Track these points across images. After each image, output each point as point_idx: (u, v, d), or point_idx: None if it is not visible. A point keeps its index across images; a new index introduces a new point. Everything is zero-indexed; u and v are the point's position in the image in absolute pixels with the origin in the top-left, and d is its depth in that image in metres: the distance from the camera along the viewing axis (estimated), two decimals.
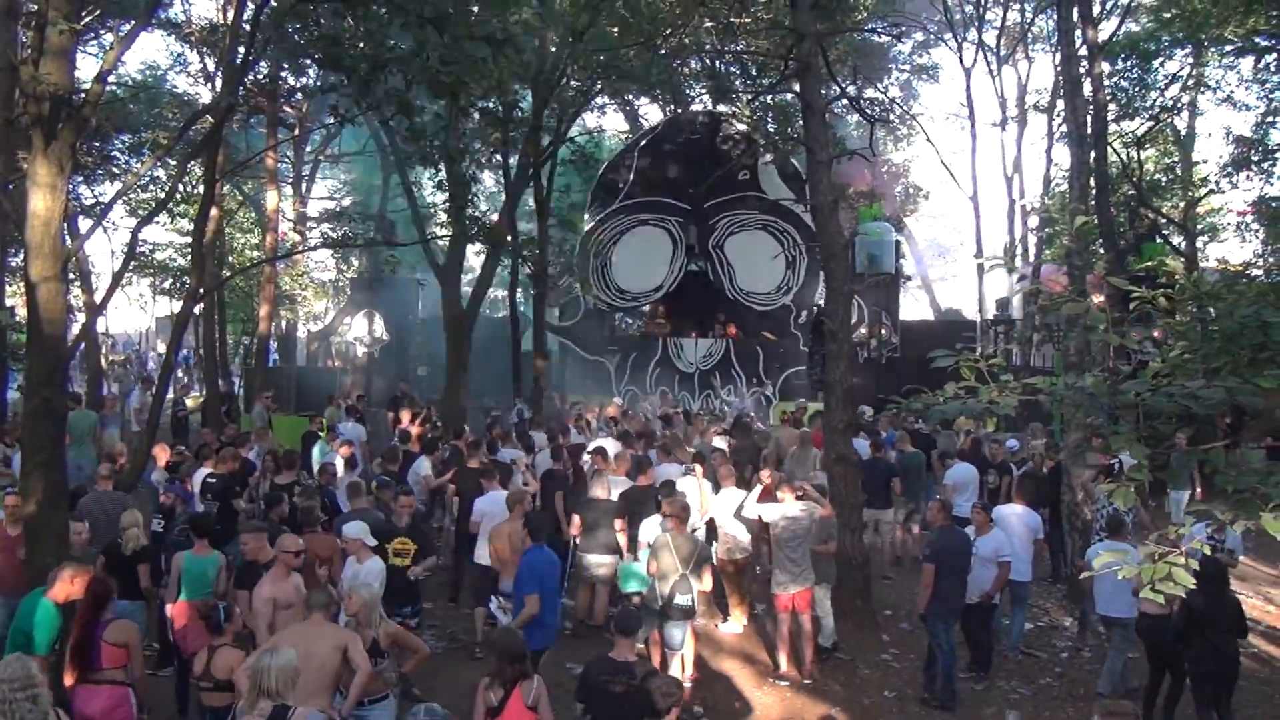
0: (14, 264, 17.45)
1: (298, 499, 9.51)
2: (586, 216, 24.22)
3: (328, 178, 38.25)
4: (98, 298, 23.19)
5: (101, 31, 19.89)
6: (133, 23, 11.71)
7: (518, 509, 8.79)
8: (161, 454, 11.16)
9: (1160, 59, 23.43)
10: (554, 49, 16.95)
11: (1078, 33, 15.78)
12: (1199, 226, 28.48)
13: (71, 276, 17.81)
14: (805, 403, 17.01)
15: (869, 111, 18.48)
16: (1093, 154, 16.44)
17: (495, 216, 20.41)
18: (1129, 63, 23.27)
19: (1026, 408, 14.56)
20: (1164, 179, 28.17)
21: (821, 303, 18.42)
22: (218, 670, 6.11)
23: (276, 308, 25.70)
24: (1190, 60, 24.61)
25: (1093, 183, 16.19)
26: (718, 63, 22.62)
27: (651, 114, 30.25)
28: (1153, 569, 3.18)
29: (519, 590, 7.65)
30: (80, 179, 20.70)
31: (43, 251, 7.99)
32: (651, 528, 8.87)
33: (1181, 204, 26.98)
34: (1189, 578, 3.18)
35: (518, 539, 8.34)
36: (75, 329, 14.87)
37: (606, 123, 33.46)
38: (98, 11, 17.44)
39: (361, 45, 12.58)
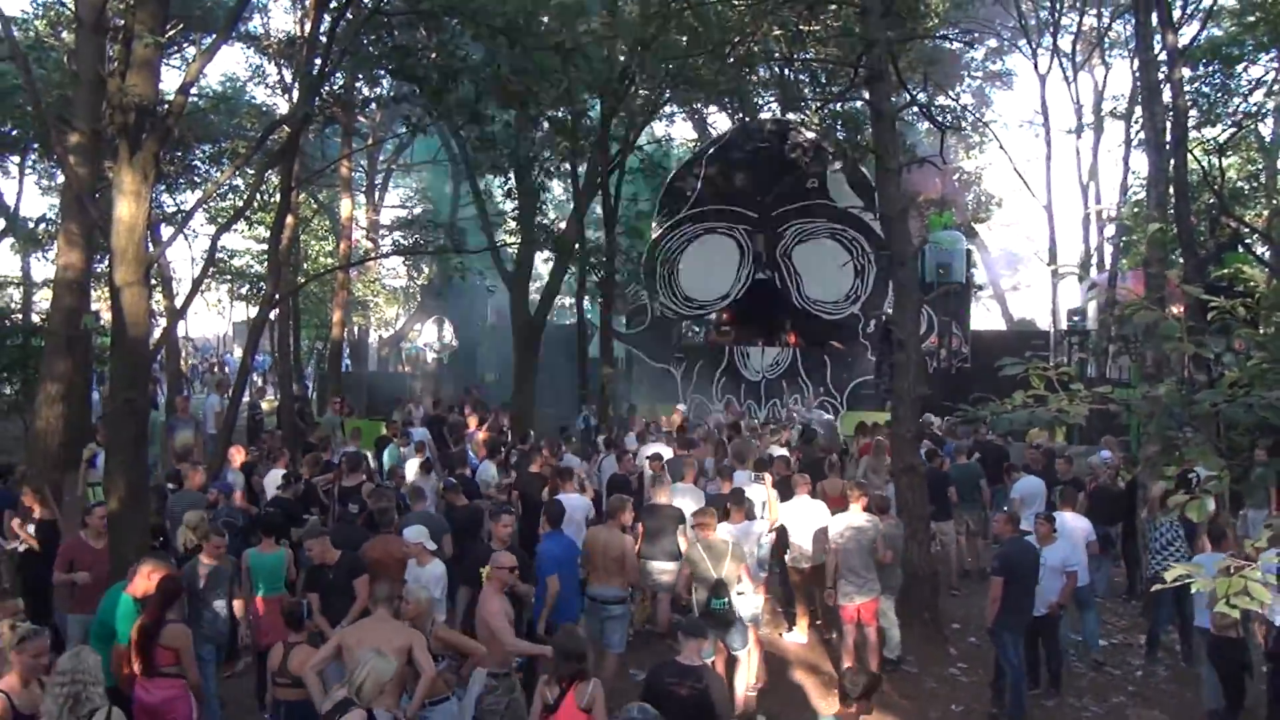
0: (98, 270, 18.06)
1: (370, 499, 9.70)
2: (654, 224, 24.26)
3: (400, 186, 38.91)
4: (178, 303, 23.86)
5: (183, 45, 20.51)
6: (214, 36, 12.06)
7: (620, 516, 8.76)
8: (237, 455, 11.41)
9: (1244, 64, 22.78)
10: (622, 58, 17.03)
11: (1157, 37, 15.43)
12: None
13: (153, 282, 18.33)
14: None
15: (940, 119, 18.24)
16: (1172, 161, 16.02)
17: (563, 224, 20.55)
18: (1211, 68, 22.66)
19: (1104, 420, 14.17)
20: (1247, 187, 27.36)
21: (890, 311, 18.23)
22: (295, 667, 6.26)
23: (349, 313, 26.18)
24: (1275, 65, 23.90)
25: (1172, 191, 15.78)
26: (786, 71, 22.53)
27: (720, 122, 30.25)
28: (1228, 583, 3.11)
29: (540, 574, 7.95)
30: (162, 188, 21.33)
31: (127, 257, 8.26)
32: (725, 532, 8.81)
33: (1265, 212, 26.17)
34: (1266, 593, 3.09)
35: (615, 546, 8.41)
36: (157, 333, 15.33)
37: (675, 131, 33.56)
38: (180, 26, 18.02)
39: (434, 55, 12.80)
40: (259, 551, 8.12)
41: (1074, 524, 9.54)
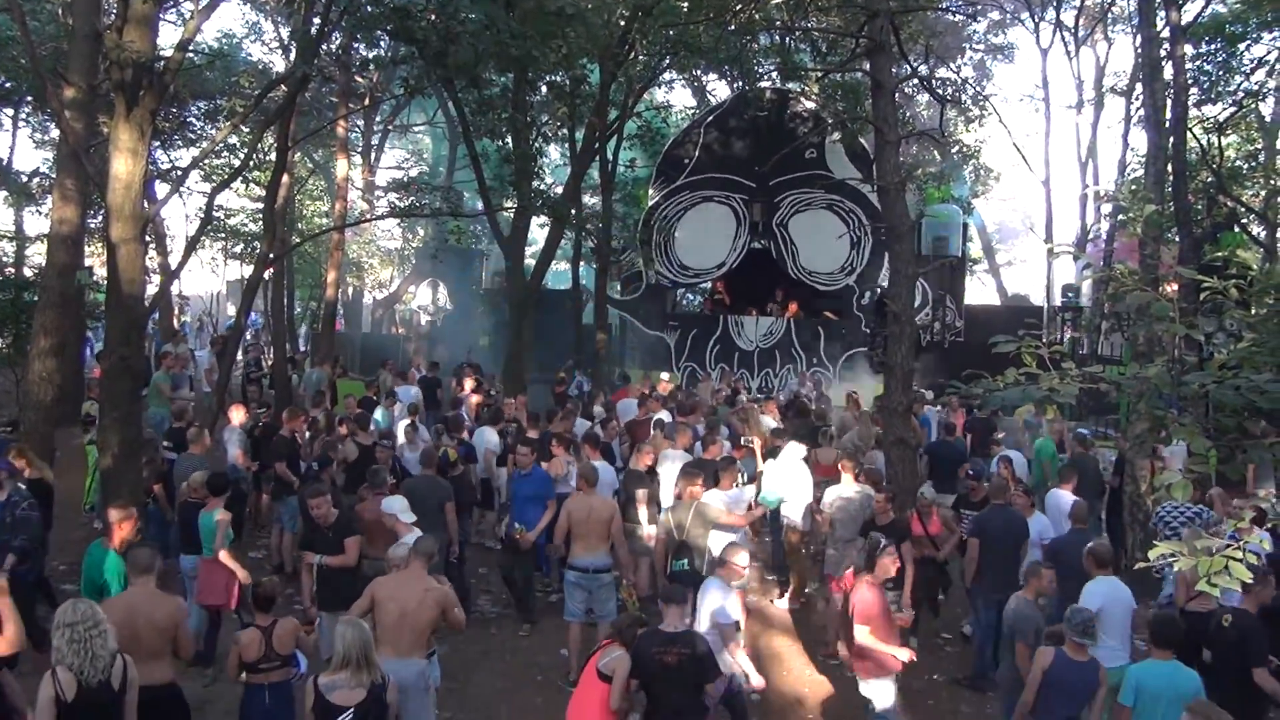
0: (91, 226, 17.96)
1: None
2: (651, 191, 24.17)
3: (395, 147, 38.70)
4: (172, 260, 23.80)
5: (180, 1, 20.29)
6: None
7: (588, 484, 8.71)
8: (237, 413, 11.32)
9: (1246, 42, 22.66)
10: (622, 23, 16.88)
11: (1160, 13, 15.37)
12: None
13: (148, 239, 18.25)
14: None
15: (940, 91, 18.17)
16: (1171, 139, 16.01)
17: (560, 190, 20.48)
18: (1213, 45, 22.54)
19: (1093, 398, 14.20)
20: (1245, 166, 27.30)
21: (885, 284, 18.23)
22: (281, 644, 6.08)
23: (343, 274, 26.11)
24: (1278, 44, 23.80)
25: (1170, 168, 15.78)
26: (787, 39, 22.38)
27: (719, 90, 30.08)
28: (1209, 562, 3.14)
29: (530, 499, 9.32)
30: (157, 144, 21.16)
31: (123, 214, 8.25)
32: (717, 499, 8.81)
33: (1263, 192, 26.16)
34: (1246, 572, 3.13)
35: (602, 512, 8.40)
36: (151, 291, 15.27)
37: (673, 98, 33.35)
38: None
39: (433, 17, 12.68)
40: (206, 512, 8.03)
41: (1064, 500, 9.61)
